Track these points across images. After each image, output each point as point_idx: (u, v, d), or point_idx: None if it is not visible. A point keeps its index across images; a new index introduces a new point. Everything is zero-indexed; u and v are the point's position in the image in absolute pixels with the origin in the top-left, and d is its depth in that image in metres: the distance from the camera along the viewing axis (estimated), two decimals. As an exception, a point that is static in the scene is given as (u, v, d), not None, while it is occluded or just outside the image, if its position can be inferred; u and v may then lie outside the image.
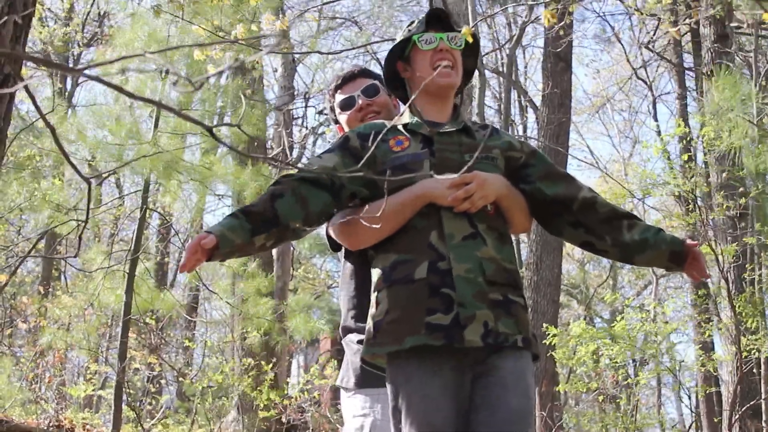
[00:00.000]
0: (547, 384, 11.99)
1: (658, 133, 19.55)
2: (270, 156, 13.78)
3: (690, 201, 10.10)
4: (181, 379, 12.84)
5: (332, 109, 4.02)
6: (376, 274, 3.30)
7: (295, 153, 19.85)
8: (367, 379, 3.47)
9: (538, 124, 16.13)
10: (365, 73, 4.00)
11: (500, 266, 3.23)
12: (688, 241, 3.30)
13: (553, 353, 10.71)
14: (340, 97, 3.93)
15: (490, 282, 3.18)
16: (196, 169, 9.11)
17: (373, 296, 3.28)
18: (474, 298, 3.12)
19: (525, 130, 22.55)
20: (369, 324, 3.25)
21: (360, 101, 3.87)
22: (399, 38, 3.55)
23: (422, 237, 3.22)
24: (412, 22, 3.63)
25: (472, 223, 3.24)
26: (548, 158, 3.57)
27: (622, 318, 10.92)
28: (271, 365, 10.62)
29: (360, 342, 3.53)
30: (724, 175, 10.99)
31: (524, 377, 3.14)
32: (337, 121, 4.00)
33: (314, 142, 23.23)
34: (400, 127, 3.46)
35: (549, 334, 10.52)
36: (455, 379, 3.09)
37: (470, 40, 3.46)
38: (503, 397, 3.07)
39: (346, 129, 3.83)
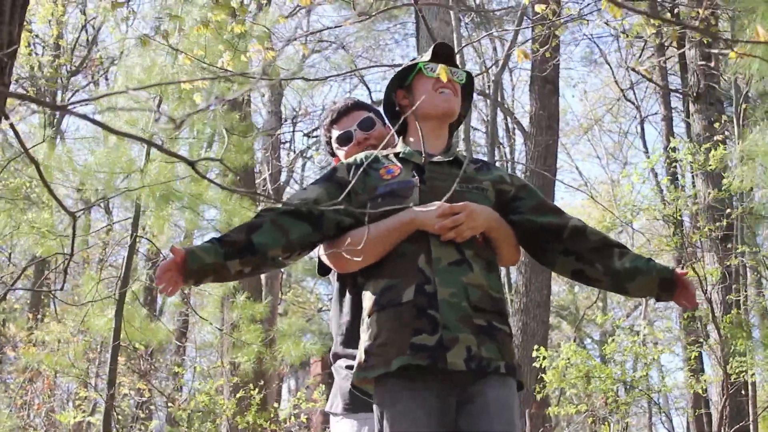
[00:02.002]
0: (537, 407, 11.99)
1: (646, 153, 19.66)
2: (255, 188, 13.78)
3: (674, 224, 10.15)
4: (170, 404, 12.81)
5: (329, 143, 4.01)
6: (366, 299, 3.33)
7: (283, 177, 19.88)
8: (355, 404, 3.49)
9: (525, 146, 16.17)
10: (359, 105, 4.00)
11: (486, 293, 3.27)
12: (678, 270, 3.33)
13: (543, 375, 10.71)
14: (336, 131, 3.94)
15: (475, 308, 3.21)
16: (185, 196, 9.12)
17: (364, 322, 3.31)
18: (458, 322, 3.16)
19: (512, 153, 22.62)
20: (360, 349, 3.29)
21: (357, 135, 3.88)
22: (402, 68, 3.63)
23: (411, 261, 3.27)
24: (414, 58, 3.72)
25: (460, 249, 3.28)
26: (539, 192, 3.60)
27: (613, 340, 10.95)
28: (258, 389, 10.58)
29: (348, 367, 3.55)
30: (710, 195, 11.05)
31: (508, 405, 3.17)
32: (334, 154, 4.00)
33: (303, 166, 23.27)
34: (392, 157, 3.52)
35: (540, 357, 10.52)
36: (440, 403, 3.11)
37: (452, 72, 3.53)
38: (487, 425, 3.10)
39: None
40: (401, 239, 3.30)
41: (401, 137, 3.66)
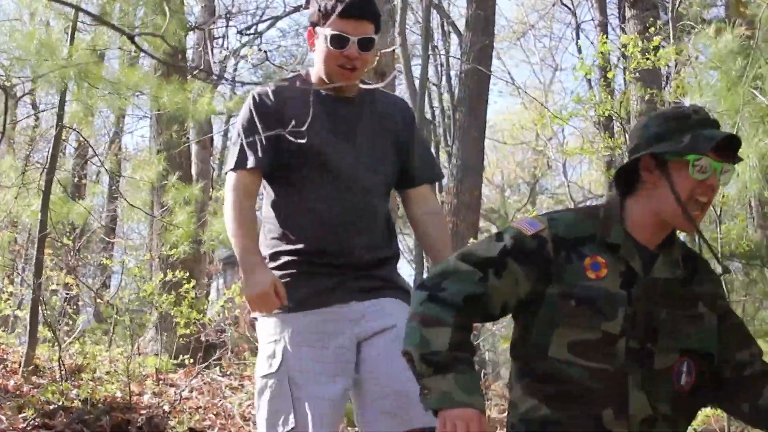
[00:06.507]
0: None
1: (581, 59, 19.68)
2: (194, 67, 13.53)
3: (620, 123, 10.16)
4: (98, 300, 12.72)
5: (324, 15, 3.44)
6: None
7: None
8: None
9: (461, 48, 16.07)
10: (373, 14, 3.50)
11: None
12: None
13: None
14: (331, 30, 3.39)
15: None
16: (114, 82, 8.85)
17: None
18: None
19: (447, 54, 22.52)
20: None
21: (350, 50, 3.41)
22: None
23: None
24: None
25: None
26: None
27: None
28: (189, 280, 10.49)
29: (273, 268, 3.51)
30: (646, 98, 11.09)
31: None
32: (314, 25, 3.50)
33: (235, 66, 22.89)
34: (599, 237, 2.65)
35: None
36: None
37: None
38: None
39: (318, 47, 3.45)
40: None
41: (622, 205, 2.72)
